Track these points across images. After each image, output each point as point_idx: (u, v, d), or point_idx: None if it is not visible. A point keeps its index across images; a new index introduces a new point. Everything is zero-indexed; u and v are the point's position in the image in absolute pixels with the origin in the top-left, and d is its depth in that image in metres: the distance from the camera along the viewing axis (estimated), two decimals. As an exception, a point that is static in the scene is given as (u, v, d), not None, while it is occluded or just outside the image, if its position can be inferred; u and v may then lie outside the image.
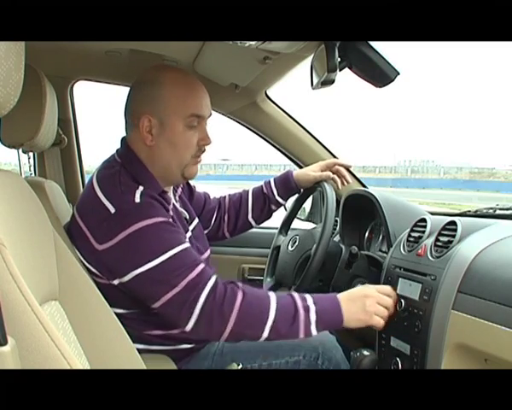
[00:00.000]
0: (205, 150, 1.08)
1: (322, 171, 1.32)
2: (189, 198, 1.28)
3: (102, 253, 0.94)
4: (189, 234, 1.11)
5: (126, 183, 0.99)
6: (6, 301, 0.52)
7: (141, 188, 0.99)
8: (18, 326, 0.53)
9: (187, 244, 0.98)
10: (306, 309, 0.96)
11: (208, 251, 1.19)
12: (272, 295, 0.97)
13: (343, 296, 1.01)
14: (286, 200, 1.35)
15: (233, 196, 1.38)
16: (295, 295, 0.98)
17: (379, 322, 1.02)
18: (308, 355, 1.10)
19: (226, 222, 1.36)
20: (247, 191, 1.37)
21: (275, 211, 1.38)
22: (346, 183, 1.35)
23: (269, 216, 1.39)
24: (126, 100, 1.08)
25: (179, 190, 1.22)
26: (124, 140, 1.08)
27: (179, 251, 0.94)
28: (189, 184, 1.30)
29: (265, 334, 0.93)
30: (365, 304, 1.01)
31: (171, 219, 1.00)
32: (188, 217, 1.16)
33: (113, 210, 0.94)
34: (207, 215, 1.34)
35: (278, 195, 1.33)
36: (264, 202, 1.34)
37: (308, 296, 0.98)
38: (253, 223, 1.37)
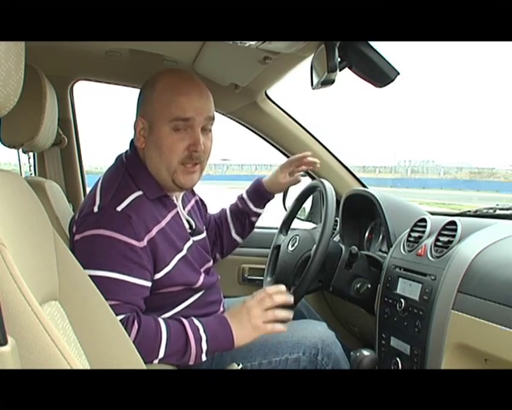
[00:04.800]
0: (198, 158, 1.04)
1: (289, 174, 1.33)
2: (200, 214, 1.28)
3: (75, 243, 0.99)
4: (189, 243, 1.10)
5: (124, 187, 1.02)
6: (6, 301, 0.52)
7: (138, 192, 1.02)
8: (18, 326, 0.52)
9: (128, 277, 0.96)
10: (198, 340, 0.99)
11: (210, 262, 1.19)
12: (164, 330, 0.97)
13: (232, 320, 1.02)
14: (263, 208, 1.36)
15: (213, 219, 1.37)
16: (187, 326, 0.99)
17: (272, 328, 1.01)
18: (308, 352, 1.10)
19: (213, 245, 1.35)
20: (225, 211, 1.37)
21: (256, 222, 1.38)
22: (316, 167, 1.35)
23: (251, 228, 1.39)
24: None
25: (193, 201, 1.22)
26: (132, 142, 1.10)
27: (113, 277, 0.94)
28: (203, 203, 1.30)
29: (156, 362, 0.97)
30: (250, 321, 1.01)
31: (141, 244, 0.97)
32: (194, 225, 1.16)
33: (96, 209, 0.98)
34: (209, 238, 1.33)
35: (255, 206, 1.34)
36: (243, 217, 1.35)
37: (200, 325, 1.00)
38: (238, 239, 1.37)
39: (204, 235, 1.21)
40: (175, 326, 1.00)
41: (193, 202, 1.21)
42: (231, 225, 1.35)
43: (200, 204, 1.29)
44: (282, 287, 1.05)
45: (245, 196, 1.35)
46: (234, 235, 1.36)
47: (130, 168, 1.06)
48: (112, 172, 1.08)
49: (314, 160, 1.34)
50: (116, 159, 1.11)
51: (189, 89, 1.02)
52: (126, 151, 1.11)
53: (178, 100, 1.01)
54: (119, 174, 1.05)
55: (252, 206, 1.34)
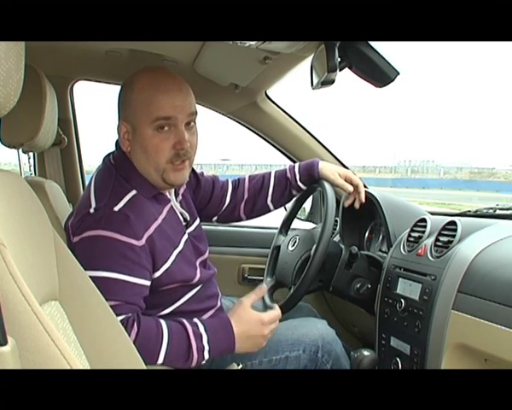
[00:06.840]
0: (186, 155, 1.02)
1: (346, 181, 1.30)
2: (195, 190, 1.27)
3: (74, 245, 0.98)
4: (185, 237, 1.10)
5: (119, 187, 1.02)
6: (6, 301, 0.52)
7: (133, 192, 1.02)
8: (18, 326, 0.52)
9: (128, 277, 0.96)
10: (200, 349, 0.99)
11: (207, 252, 1.19)
12: (165, 335, 0.97)
13: (240, 330, 1.02)
14: (307, 186, 1.33)
15: (253, 178, 1.35)
16: (191, 333, 0.99)
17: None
18: (308, 349, 1.10)
19: (244, 203, 1.34)
20: (270, 174, 1.35)
21: (294, 196, 1.36)
22: (357, 203, 1.32)
23: (288, 201, 1.38)
24: None
25: (182, 190, 1.21)
26: (117, 143, 1.09)
27: (114, 278, 0.94)
28: (195, 173, 1.28)
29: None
30: (259, 341, 1.04)
31: (140, 243, 0.97)
32: (188, 218, 1.16)
33: (92, 211, 0.98)
34: (217, 200, 1.32)
35: (300, 180, 1.31)
36: (285, 187, 1.32)
37: (204, 334, 1.00)
38: (271, 207, 1.35)
39: (197, 223, 1.20)
40: (178, 330, 0.99)
41: (182, 191, 1.20)
42: (270, 190, 1.32)
43: (193, 179, 1.27)
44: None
45: (296, 167, 1.33)
46: (268, 201, 1.33)
47: (120, 170, 1.05)
48: (103, 173, 1.07)
49: (361, 199, 1.31)
50: (103, 160, 1.10)
51: (167, 86, 1.00)
52: (113, 152, 1.10)
53: (157, 99, 0.99)
54: (112, 176, 1.04)
55: (298, 178, 1.31)
